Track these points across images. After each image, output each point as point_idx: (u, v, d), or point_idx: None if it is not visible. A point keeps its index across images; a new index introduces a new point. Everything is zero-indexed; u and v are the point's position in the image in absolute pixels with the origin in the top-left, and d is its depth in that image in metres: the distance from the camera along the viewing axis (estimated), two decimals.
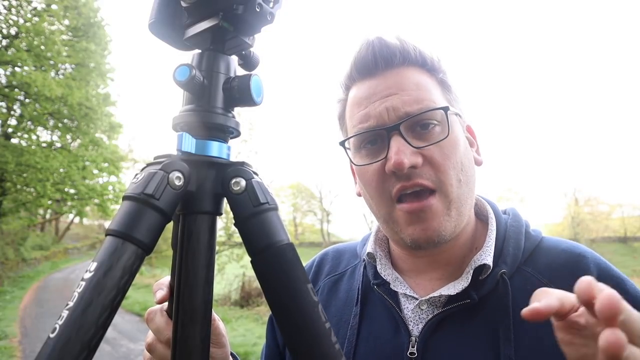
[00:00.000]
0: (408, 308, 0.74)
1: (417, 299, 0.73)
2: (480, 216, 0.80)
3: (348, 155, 0.77)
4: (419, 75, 0.73)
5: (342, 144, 0.78)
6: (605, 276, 0.67)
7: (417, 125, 0.70)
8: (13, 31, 15.70)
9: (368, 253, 0.81)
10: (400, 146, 0.67)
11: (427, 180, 0.68)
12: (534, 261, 0.72)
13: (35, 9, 15.77)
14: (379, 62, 0.73)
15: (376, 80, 0.73)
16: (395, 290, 0.75)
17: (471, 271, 0.69)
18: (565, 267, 0.69)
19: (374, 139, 0.72)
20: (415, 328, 0.71)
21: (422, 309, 0.72)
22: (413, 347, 0.69)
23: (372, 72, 0.74)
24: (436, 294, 0.70)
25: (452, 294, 0.69)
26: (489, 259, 0.69)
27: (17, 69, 15.42)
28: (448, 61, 0.77)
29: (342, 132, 0.82)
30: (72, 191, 19.07)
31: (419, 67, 0.74)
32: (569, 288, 0.66)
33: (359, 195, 0.81)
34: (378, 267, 0.79)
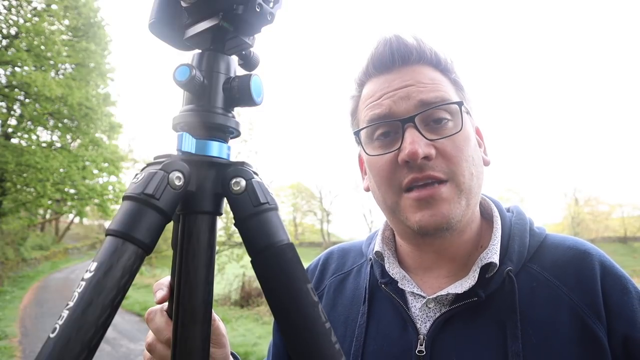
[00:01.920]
0: (415, 306, 0.74)
1: (424, 297, 0.73)
2: (485, 215, 0.81)
3: (362, 145, 0.78)
4: (433, 73, 0.75)
5: (356, 134, 0.79)
6: (608, 274, 0.68)
7: (431, 119, 0.71)
8: (13, 31, 15.69)
9: (376, 252, 0.81)
10: (414, 137, 0.69)
11: (439, 172, 0.69)
12: (540, 258, 0.72)
13: (35, 9, 15.75)
14: (396, 58, 0.74)
15: (392, 75, 0.75)
16: (403, 288, 0.76)
17: (478, 269, 0.70)
18: (570, 264, 0.70)
19: (387, 131, 0.73)
20: (423, 326, 0.72)
21: (429, 307, 0.73)
22: (421, 345, 0.70)
23: (388, 67, 0.75)
24: (443, 292, 0.71)
25: (459, 292, 0.69)
26: (495, 257, 0.70)
27: (17, 69, 15.40)
28: (460, 64, 0.79)
29: (353, 127, 0.83)
30: (72, 191, 19.04)
31: (434, 67, 0.76)
32: (574, 285, 0.68)
33: (367, 190, 0.82)
34: (386, 266, 0.79)
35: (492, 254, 0.71)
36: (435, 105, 0.70)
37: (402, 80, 0.73)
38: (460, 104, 0.72)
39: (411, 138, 0.68)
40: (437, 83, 0.73)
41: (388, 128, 0.73)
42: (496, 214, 0.78)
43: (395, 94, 0.72)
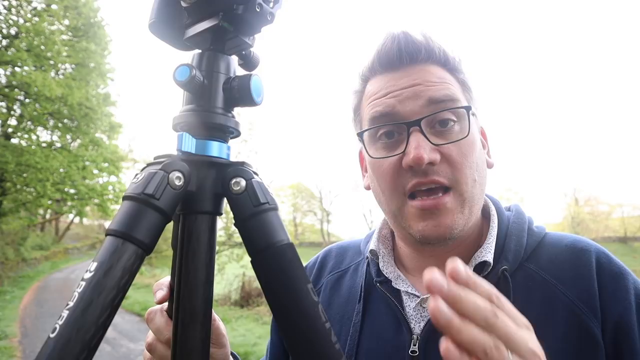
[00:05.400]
0: (410, 306, 0.74)
1: (418, 296, 0.73)
2: (485, 214, 0.80)
3: (365, 148, 0.76)
4: (442, 72, 0.73)
5: (360, 134, 0.77)
6: (604, 270, 0.67)
7: (437, 122, 0.70)
8: (13, 31, 15.69)
9: (371, 250, 0.81)
10: (420, 141, 0.67)
11: (444, 178, 0.68)
12: (537, 257, 0.71)
13: (35, 9, 15.75)
14: (404, 56, 0.72)
15: (399, 73, 0.73)
16: (397, 288, 0.76)
17: (472, 268, 0.70)
18: (567, 262, 0.69)
19: (390, 132, 0.72)
20: (417, 326, 0.71)
21: (423, 307, 0.72)
22: (415, 345, 0.69)
23: (396, 66, 0.73)
24: None
25: None
26: (489, 256, 0.70)
27: (17, 69, 15.40)
28: (468, 62, 0.77)
29: (356, 124, 0.81)
30: (72, 191, 19.03)
31: (442, 66, 0.74)
32: (571, 283, 0.67)
33: (368, 188, 0.81)
34: (380, 264, 0.79)
35: (486, 253, 0.70)
36: (441, 110, 0.69)
37: (410, 79, 0.71)
38: (468, 108, 0.70)
39: (416, 142, 0.67)
40: (445, 82, 0.72)
41: (392, 128, 0.71)
42: (493, 212, 0.78)
43: (402, 93, 0.70)
